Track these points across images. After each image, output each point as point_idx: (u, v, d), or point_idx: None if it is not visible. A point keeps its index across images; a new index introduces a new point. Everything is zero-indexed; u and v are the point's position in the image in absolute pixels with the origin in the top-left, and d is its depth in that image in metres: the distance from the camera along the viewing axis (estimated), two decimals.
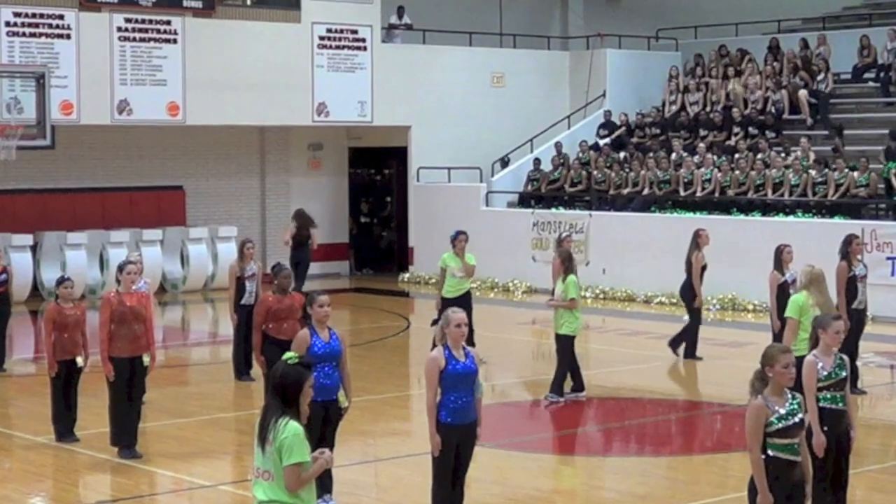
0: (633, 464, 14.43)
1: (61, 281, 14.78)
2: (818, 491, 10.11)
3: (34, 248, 27.84)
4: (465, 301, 18.41)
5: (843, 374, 10.27)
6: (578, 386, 17.04)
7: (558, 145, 31.38)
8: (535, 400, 17.14)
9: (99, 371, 14.27)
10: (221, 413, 16.88)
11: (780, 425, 8.71)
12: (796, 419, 8.78)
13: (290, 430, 7.36)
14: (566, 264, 17.00)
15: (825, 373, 10.19)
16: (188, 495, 13.13)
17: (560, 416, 17.06)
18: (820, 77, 30.15)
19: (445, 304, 18.49)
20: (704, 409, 16.99)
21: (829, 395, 10.19)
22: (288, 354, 7.68)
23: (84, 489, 13.29)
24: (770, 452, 8.73)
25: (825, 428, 10.11)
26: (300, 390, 7.48)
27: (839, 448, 10.26)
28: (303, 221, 27.37)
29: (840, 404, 10.23)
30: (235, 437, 15.45)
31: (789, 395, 8.83)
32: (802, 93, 29.82)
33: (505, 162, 32.02)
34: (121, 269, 14.07)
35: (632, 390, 18.13)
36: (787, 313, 14.24)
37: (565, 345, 16.85)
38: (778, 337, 16.78)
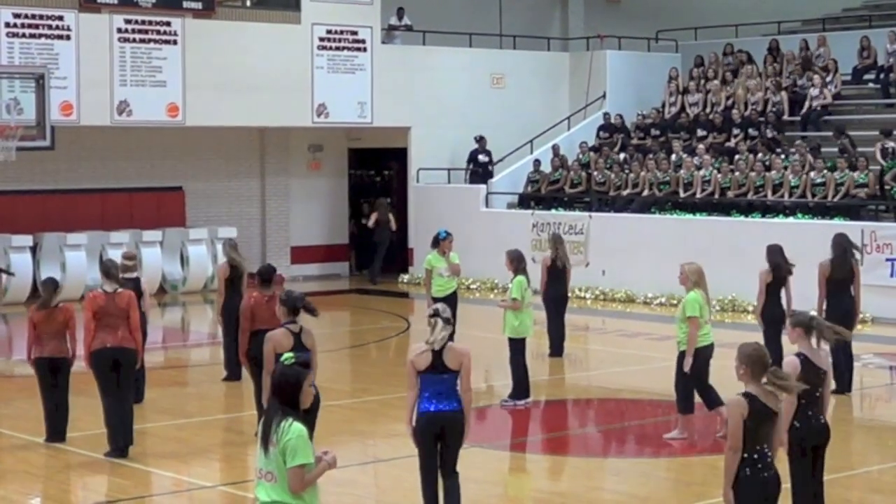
0: (633, 465, 14.42)
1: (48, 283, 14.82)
2: (799, 484, 10.15)
3: (34, 249, 27.83)
4: (452, 300, 18.50)
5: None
6: (518, 393, 16.96)
7: (556, 147, 31.37)
8: (535, 401, 17.13)
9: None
10: (221, 414, 16.88)
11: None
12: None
13: (294, 431, 7.38)
14: (515, 265, 16.94)
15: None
16: (188, 496, 13.12)
17: (560, 418, 17.07)
18: (829, 78, 30.14)
19: (436, 303, 18.52)
20: (705, 410, 16.97)
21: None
22: (286, 355, 7.71)
23: (84, 490, 13.29)
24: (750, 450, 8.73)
25: (798, 424, 10.09)
26: (299, 390, 7.51)
27: (815, 448, 10.28)
28: (382, 210, 31.36)
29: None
30: (235, 438, 15.43)
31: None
32: (812, 92, 29.84)
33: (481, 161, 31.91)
34: (106, 272, 14.17)
35: (632, 391, 18.12)
36: (690, 313, 14.44)
37: (513, 347, 16.82)
38: (765, 334, 16.89)
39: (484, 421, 16.32)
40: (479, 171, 31.71)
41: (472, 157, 31.96)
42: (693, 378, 14.58)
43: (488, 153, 31.86)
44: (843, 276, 17.18)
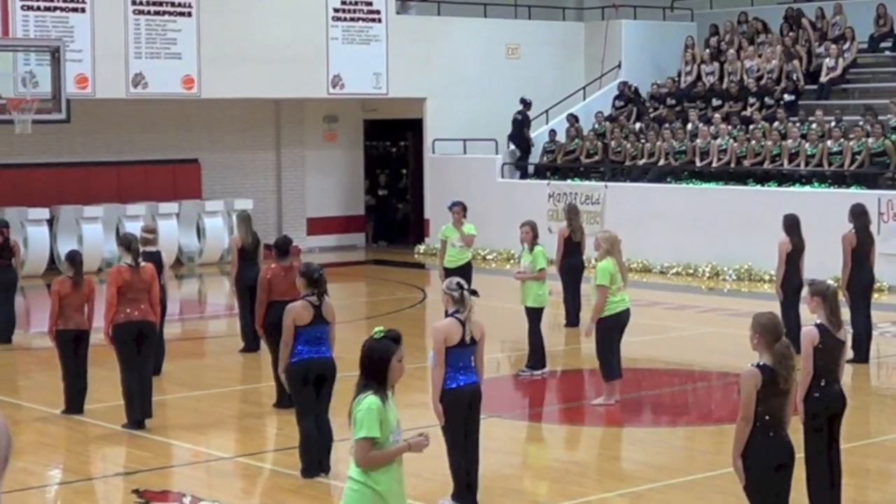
0: (650, 434, 14.44)
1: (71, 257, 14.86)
2: (813, 453, 10.16)
3: (50, 222, 27.90)
4: (465, 271, 18.45)
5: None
6: (535, 363, 16.95)
7: (571, 117, 31.32)
8: (552, 371, 17.15)
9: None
10: (238, 385, 16.91)
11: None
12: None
13: (366, 404, 7.30)
14: (534, 235, 16.88)
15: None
16: (205, 467, 13.17)
17: (576, 388, 17.08)
18: (845, 47, 30.01)
19: (448, 274, 18.54)
20: (721, 380, 17.00)
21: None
22: (376, 329, 7.58)
23: (102, 461, 13.34)
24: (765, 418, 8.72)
25: (816, 395, 10.09)
26: (387, 365, 7.41)
27: (831, 418, 10.28)
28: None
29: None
30: (252, 409, 15.47)
31: None
32: (827, 61, 29.72)
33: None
34: (127, 245, 14.22)
35: (649, 361, 18.11)
36: (599, 282, 14.64)
37: (533, 317, 16.81)
38: (783, 304, 16.88)
39: (501, 391, 16.34)
40: (527, 143, 31.33)
41: (521, 126, 31.45)
42: (602, 343, 14.74)
43: None
44: (867, 246, 17.18)
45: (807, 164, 26.41)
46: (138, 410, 14.02)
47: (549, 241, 20.50)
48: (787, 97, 29.37)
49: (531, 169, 31.17)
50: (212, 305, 26.07)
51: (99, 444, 13.86)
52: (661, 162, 28.80)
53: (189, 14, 28.40)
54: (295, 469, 12.26)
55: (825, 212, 22.22)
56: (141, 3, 27.87)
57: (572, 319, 20.49)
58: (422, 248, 31.64)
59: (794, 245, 17.34)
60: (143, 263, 14.31)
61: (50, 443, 13.82)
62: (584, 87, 33.13)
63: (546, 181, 29.84)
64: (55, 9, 26.85)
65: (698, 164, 28.15)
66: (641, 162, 29.23)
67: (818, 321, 10.21)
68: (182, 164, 30.67)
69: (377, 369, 7.39)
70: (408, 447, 7.46)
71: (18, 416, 14.92)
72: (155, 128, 30.25)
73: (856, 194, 23.56)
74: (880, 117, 26.65)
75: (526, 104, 31.21)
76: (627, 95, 32.06)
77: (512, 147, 31.40)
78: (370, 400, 7.31)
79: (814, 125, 27.13)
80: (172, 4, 28.20)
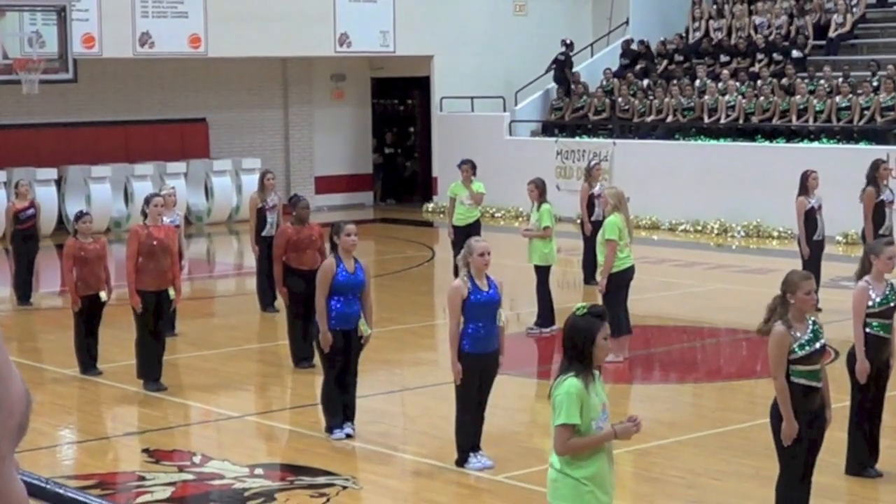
0: (659, 391, 14.47)
1: (80, 216, 14.77)
2: (856, 418, 10.17)
3: (59, 182, 27.91)
4: (474, 229, 18.41)
5: (893, 302, 10.24)
6: (543, 321, 16.93)
7: (576, 75, 31.22)
8: (561, 328, 17.12)
9: (125, 304, 14.36)
10: (247, 344, 16.94)
11: (804, 352, 8.70)
12: (818, 345, 8.77)
13: (565, 387, 6.90)
14: (541, 193, 16.84)
15: (878, 299, 10.15)
16: (215, 426, 13.21)
17: None
18: (853, 1, 29.86)
19: (456, 232, 18.54)
20: (730, 336, 17.01)
21: (876, 323, 10.16)
22: (578, 305, 7.22)
23: (112, 421, 13.38)
24: (793, 379, 8.72)
25: (870, 355, 10.10)
26: (592, 342, 6.96)
27: (878, 376, 10.26)
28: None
29: (885, 332, 10.21)
30: (261, 368, 15.51)
31: (810, 322, 8.82)
32: (835, 17, 29.59)
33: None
34: (147, 201, 14.15)
35: (657, 318, 18.13)
36: (609, 236, 14.69)
37: (540, 275, 16.81)
38: (807, 263, 16.78)
39: (510, 349, 16.32)
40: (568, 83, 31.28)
41: (563, 67, 31.42)
42: (610, 299, 14.74)
43: None
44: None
45: (815, 119, 26.35)
46: (157, 371, 13.94)
47: (557, 198, 20.51)
48: (795, 53, 29.24)
49: (539, 127, 31.10)
50: (220, 265, 26.09)
51: (110, 404, 13.90)
52: (670, 119, 28.73)
53: None
54: (306, 428, 12.29)
55: (834, 168, 22.16)
56: None
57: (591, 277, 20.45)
58: (430, 206, 31.62)
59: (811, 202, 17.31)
60: (165, 221, 14.30)
61: (62, 403, 13.86)
62: (591, 44, 33.01)
63: (554, 138, 29.79)
64: None
65: (706, 120, 28.08)
66: (649, 119, 29.17)
67: (867, 278, 10.21)
68: (189, 123, 30.64)
69: (581, 349, 6.95)
70: (613, 434, 6.98)
71: (30, 377, 14.97)
72: (162, 87, 30.21)
73: (865, 150, 23.50)
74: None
75: (568, 45, 31.20)
76: (634, 52, 31.91)
77: (518, 104, 31.32)
78: (570, 383, 6.88)
79: (822, 81, 27.04)
80: None
